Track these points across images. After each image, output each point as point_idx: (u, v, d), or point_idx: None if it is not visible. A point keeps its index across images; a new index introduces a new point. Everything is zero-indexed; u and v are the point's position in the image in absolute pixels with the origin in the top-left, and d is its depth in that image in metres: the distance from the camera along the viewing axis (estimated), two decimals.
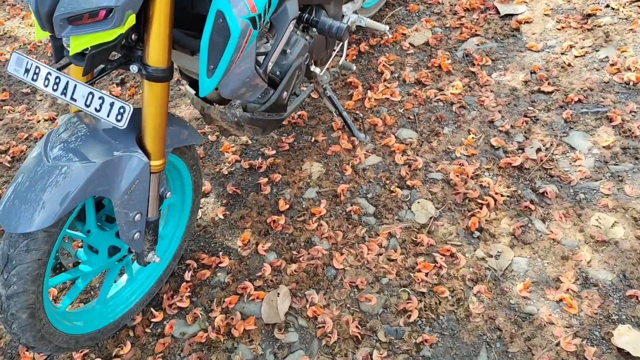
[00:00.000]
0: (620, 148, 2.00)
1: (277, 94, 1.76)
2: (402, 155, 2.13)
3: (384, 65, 2.50)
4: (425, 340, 1.65)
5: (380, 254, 1.87)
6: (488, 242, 1.84)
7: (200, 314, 1.81)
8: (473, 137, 2.13)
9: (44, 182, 1.27)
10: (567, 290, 1.69)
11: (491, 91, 2.29)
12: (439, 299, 1.74)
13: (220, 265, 1.94)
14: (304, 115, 2.38)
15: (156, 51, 1.29)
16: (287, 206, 2.06)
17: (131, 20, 1.17)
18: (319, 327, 1.73)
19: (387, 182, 2.08)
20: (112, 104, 1.25)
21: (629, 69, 2.22)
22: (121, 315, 1.75)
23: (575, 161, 1.99)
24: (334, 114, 2.32)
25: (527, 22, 2.53)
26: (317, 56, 2.00)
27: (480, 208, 1.92)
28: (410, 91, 2.37)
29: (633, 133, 2.01)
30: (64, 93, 1.28)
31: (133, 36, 1.28)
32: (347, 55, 2.55)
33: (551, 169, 1.99)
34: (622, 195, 1.87)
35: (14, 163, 2.50)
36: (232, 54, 1.33)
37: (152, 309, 1.85)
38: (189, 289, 1.89)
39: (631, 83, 2.17)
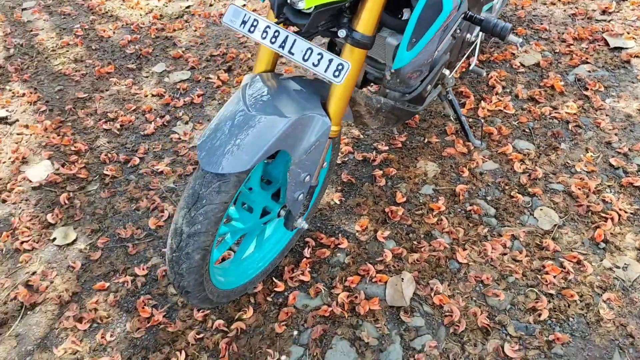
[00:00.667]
0: None
1: (424, 86, 1.81)
2: (521, 164, 2.17)
3: (495, 79, 2.56)
4: (557, 339, 1.65)
5: (505, 254, 1.89)
6: (614, 253, 1.86)
7: (323, 289, 1.82)
8: (592, 155, 2.17)
9: (244, 128, 1.31)
10: None
11: (606, 115, 2.33)
12: (567, 302, 1.74)
13: (339, 246, 1.95)
14: (416, 118, 2.43)
15: (367, 19, 1.34)
16: (404, 199, 2.09)
17: None
18: (446, 316, 1.73)
19: (506, 187, 2.10)
20: (330, 60, 1.30)
21: None
22: (249, 280, 1.76)
23: None
24: (451, 117, 2.37)
25: (637, 57, 2.59)
26: (452, 58, 2.06)
27: (605, 221, 1.94)
28: (524, 106, 2.42)
29: None
30: (282, 46, 1.33)
31: None
32: (458, 69, 2.61)
33: None
34: None
35: (122, 131, 2.55)
36: (437, 30, 1.38)
37: (273, 279, 1.85)
38: (308, 265, 1.90)
39: None
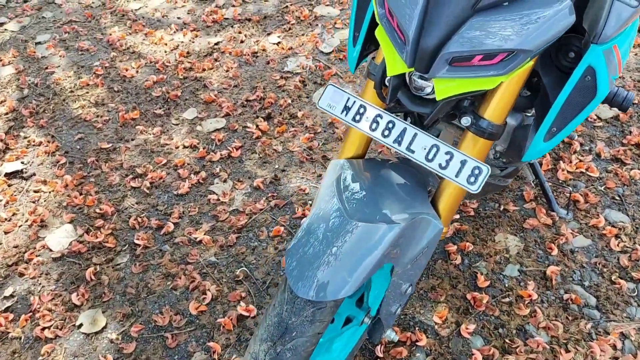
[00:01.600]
0: None
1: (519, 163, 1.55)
2: (617, 241, 1.89)
3: (570, 135, 2.29)
4: None
5: (616, 358, 1.60)
6: None
7: None
8: None
9: (342, 235, 1.03)
10: None
11: None
12: None
13: (417, 343, 1.67)
14: None
15: (499, 105, 1.07)
16: (487, 282, 1.81)
17: (527, 67, 0.96)
18: None
19: (605, 269, 1.82)
20: (463, 162, 1.02)
21: None
22: None
23: None
24: (530, 181, 2.10)
25: None
26: None
27: None
28: (608, 168, 2.15)
29: None
30: (397, 141, 1.05)
31: None
32: None
33: None
34: None
35: (152, 190, 2.27)
36: (585, 117, 1.10)
37: None
38: None
39: None
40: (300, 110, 2.58)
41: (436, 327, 1.71)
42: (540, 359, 1.60)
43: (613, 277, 1.79)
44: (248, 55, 2.97)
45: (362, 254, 1.03)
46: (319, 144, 2.39)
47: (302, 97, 2.66)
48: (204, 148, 2.43)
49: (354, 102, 1.08)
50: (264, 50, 3.01)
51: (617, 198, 2.04)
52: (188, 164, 2.37)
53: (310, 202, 2.15)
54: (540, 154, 1.15)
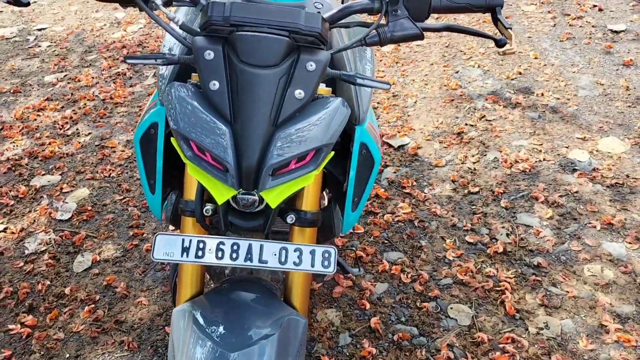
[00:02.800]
0: (559, 215, 2.44)
1: None
2: (404, 275, 2.20)
3: None
4: None
5: None
6: (531, 318, 1.99)
7: None
8: (450, 241, 2.34)
9: None
10: (615, 330, 1.91)
11: (439, 204, 2.57)
12: None
13: None
14: None
15: (312, 195, 1.21)
16: None
17: (328, 158, 1.11)
18: None
19: (408, 301, 2.09)
20: (312, 252, 1.10)
21: (517, 162, 2.78)
22: None
23: (538, 235, 2.34)
24: None
25: (419, 148, 2.97)
26: None
27: (503, 293, 2.08)
28: (367, 221, 2.50)
29: (558, 202, 2.49)
30: (249, 259, 1.08)
31: None
32: None
33: (527, 245, 2.30)
34: (587, 247, 2.27)
35: None
36: (373, 182, 1.32)
37: None
38: None
39: (527, 170, 2.71)
40: (65, 286, 2.32)
41: None
42: None
43: (418, 304, 2.08)
44: None
45: None
46: (104, 312, 2.18)
47: (61, 273, 2.41)
48: None
49: (190, 240, 1.08)
50: None
51: (387, 241, 2.39)
52: None
53: None
54: (354, 223, 1.32)
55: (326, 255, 1.11)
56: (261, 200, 1.11)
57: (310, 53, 1.03)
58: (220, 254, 1.08)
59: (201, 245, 1.08)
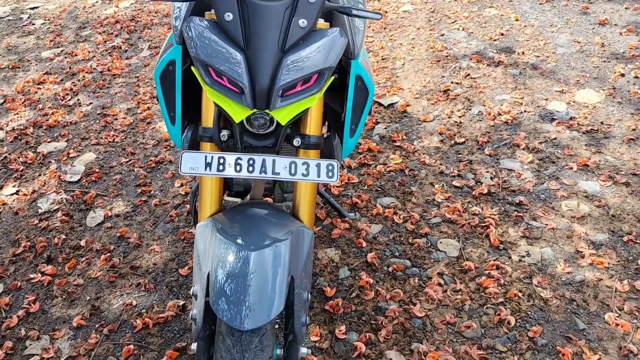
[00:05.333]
0: (539, 159, 2.62)
1: None
2: (398, 216, 2.38)
3: None
4: (535, 332, 1.84)
5: (445, 291, 2.03)
6: (513, 248, 2.18)
7: None
8: (439, 186, 2.52)
9: (256, 270, 1.17)
10: (590, 255, 2.11)
11: (428, 154, 2.75)
12: (516, 302, 1.96)
13: None
14: None
15: (315, 120, 1.37)
16: (334, 290, 2.07)
17: (329, 82, 1.26)
18: None
19: (402, 238, 2.28)
20: (318, 165, 1.27)
21: (500, 114, 2.95)
22: None
23: (520, 177, 2.53)
24: (320, 203, 2.46)
25: (408, 106, 3.14)
26: None
27: (488, 228, 2.26)
28: (361, 172, 2.67)
29: (538, 148, 2.68)
30: (263, 171, 1.25)
31: None
32: None
33: (510, 187, 2.48)
34: (565, 186, 2.46)
35: None
36: (369, 112, 1.48)
37: None
38: None
39: (509, 121, 2.89)
40: (80, 239, 2.48)
41: (317, 344, 1.89)
42: (402, 320, 1.93)
43: (410, 240, 2.26)
44: None
45: (274, 272, 1.18)
46: (120, 259, 2.35)
47: (75, 228, 2.56)
48: None
49: (212, 157, 1.24)
50: (4, 204, 2.78)
51: (380, 189, 2.56)
52: None
53: (143, 311, 2.10)
54: (352, 148, 1.49)
55: (330, 167, 1.28)
56: (271, 121, 1.27)
57: None
58: (238, 168, 1.24)
59: (222, 161, 1.24)
